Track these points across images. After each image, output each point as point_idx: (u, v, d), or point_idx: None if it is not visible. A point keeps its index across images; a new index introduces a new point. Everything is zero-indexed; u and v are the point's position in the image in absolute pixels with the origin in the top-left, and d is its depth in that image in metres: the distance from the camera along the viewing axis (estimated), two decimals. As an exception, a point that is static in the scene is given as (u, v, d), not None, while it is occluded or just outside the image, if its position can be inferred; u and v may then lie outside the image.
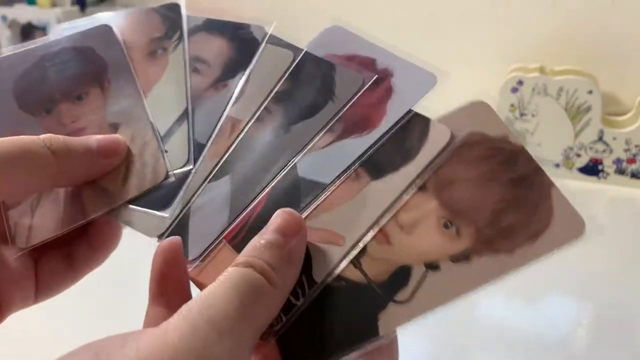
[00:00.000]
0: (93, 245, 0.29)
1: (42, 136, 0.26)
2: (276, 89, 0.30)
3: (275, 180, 0.27)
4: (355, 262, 0.25)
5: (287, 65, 0.30)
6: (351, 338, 0.23)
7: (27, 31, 1.07)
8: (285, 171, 0.27)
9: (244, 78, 0.30)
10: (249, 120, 0.29)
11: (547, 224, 0.24)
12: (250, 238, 0.24)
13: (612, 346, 0.50)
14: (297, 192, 0.27)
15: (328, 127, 0.28)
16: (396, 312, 0.24)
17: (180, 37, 0.33)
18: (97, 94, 0.31)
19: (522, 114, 0.71)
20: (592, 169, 0.72)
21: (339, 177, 0.27)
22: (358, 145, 0.27)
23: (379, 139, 0.27)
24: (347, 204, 0.26)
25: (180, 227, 0.27)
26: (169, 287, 0.24)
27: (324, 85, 0.29)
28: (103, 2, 1.11)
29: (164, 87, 0.31)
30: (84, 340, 0.21)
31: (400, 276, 0.24)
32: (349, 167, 0.27)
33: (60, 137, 0.26)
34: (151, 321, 0.24)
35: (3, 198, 0.28)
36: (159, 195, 0.28)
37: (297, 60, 0.30)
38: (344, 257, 0.25)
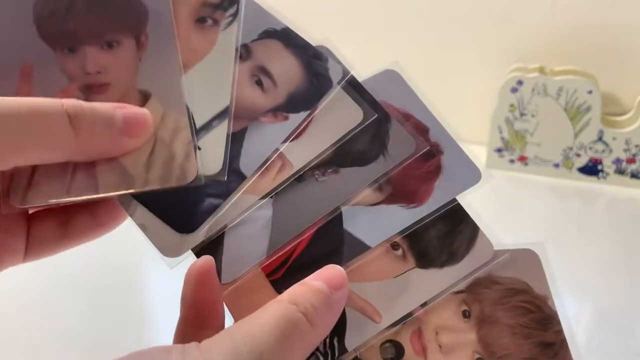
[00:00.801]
0: (96, 219, 0.28)
1: (65, 102, 0.23)
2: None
3: (321, 222, 0.27)
4: None
5: (354, 124, 0.28)
6: None
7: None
8: (331, 216, 0.27)
9: (307, 120, 0.27)
10: (300, 169, 0.27)
11: None
12: (291, 277, 0.25)
13: (612, 346, 0.50)
14: (340, 245, 0.27)
15: (377, 184, 0.27)
16: None
17: (236, 14, 0.28)
18: (130, 47, 0.27)
19: (521, 114, 0.71)
20: (591, 169, 0.72)
21: (382, 244, 0.27)
22: (404, 217, 0.27)
23: (423, 217, 0.27)
24: (390, 282, 0.27)
25: (213, 243, 0.26)
26: (202, 310, 0.24)
27: (378, 135, 0.28)
28: None
29: (208, 69, 0.27)
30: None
31: None
32: (391, 237, 0.27)
33: (86, 106, 0.23)
34: (182, 338, 0.24)
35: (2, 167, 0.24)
36: (184, 212, 0.26)
37: (365, 124, 0.28)
38: (377, 335, 0.26)
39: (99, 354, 0.49)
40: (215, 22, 0.28)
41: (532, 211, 0.68)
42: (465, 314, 0.27)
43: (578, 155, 0.71)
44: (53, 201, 0.25)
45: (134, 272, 0.60)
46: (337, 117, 0.28)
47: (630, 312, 0.53)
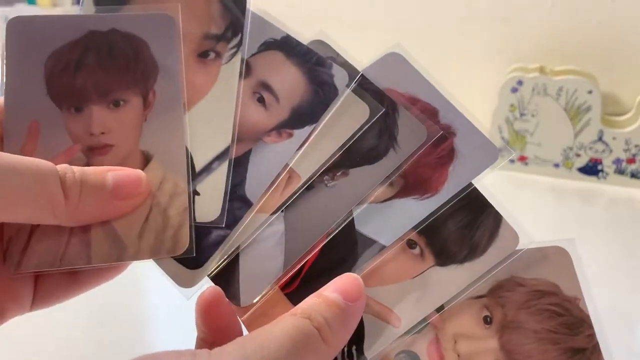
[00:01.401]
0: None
1: (59, 167, 0.23)
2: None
3: (331, 227, 0.26)
4: None
5: (361, 122, 0.26)
6: None
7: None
8: (342, 220, 0.26)
9: (314, 133, 0.26)
10: (308, 179, 0.26)
11: None
12: (305, 289, 0.24)
13: (612, 346, 0.49)
14: (353, 248, 0.26)
15: (389, 180, 0.26)
16: None
17: (239, 45, 0.27)
18: (137, 106, 0.26)
19: (521, 114, 0.71)
20: (591, 169, 0.72)
21: (397, 241, 0.26)
22: (418, 210, 0.26)
23: (440, 207, 0.26)
24: (408, 283, 0.25)
25: (229, 265, 0.25)
26: (217, 332, 0.24)
27: (386, 127, 0.26)
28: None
29: (210, 108, 0.26)
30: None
31: None
32: (407, 233, 0.26)
33: (76, 171, 0.23)
34: None
35: None
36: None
37: (372, 121, 0.26)
38: (396, 340, 0.25)
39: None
40: (218, 55, 0.27)
41: (532, 211, 0.68)
42: (487, 320, 0.25)
43: (578, 155, 0.71)
44: (46, 269, 0.24)
45: (140, 275, 0.60)
46: (342, 118, 0.26)
47: (631, 312, 0.53)
